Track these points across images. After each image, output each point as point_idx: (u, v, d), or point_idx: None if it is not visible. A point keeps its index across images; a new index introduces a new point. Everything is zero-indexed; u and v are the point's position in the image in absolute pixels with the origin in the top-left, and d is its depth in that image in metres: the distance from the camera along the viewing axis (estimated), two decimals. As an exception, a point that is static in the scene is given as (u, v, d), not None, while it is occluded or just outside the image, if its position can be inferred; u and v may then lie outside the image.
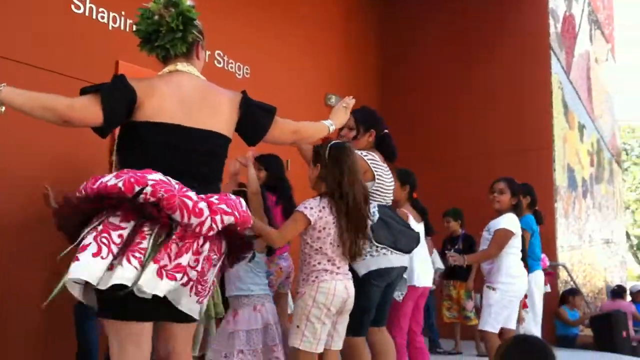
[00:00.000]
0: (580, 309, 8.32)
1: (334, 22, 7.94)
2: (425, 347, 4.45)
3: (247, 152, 3.55)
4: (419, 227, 4.11)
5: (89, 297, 2.02)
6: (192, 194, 1.98)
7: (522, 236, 4.45)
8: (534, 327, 5.38)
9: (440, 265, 5.82)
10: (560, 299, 8.12)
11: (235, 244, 2.20)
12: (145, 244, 1.91)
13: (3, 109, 1.92)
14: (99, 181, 1.94)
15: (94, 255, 1.85)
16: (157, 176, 1.95)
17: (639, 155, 28.17)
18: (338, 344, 2.98)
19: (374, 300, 3.26)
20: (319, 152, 3.02)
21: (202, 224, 1.95)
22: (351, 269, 3.04)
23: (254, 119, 2.35)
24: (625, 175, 23.04)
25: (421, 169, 5.00)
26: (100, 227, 1.92)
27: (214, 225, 1.98)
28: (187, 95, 2.19)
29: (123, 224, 1.92)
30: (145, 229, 1.93)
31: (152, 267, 1.89)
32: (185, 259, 1.95)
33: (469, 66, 8.69)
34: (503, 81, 8.45)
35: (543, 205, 6.36)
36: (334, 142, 3.05)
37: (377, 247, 3.22)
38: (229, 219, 2.03)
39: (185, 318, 2.11)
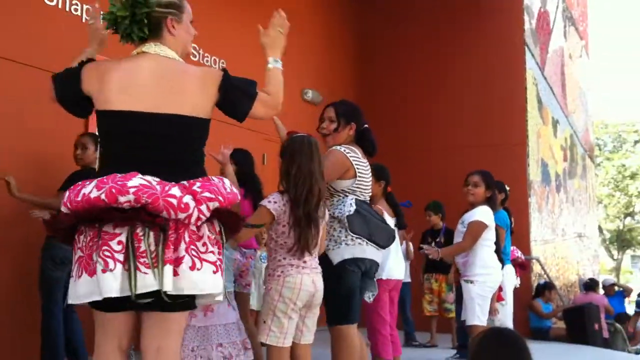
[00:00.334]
0: (554, 302, 8.44)
1: (310, 16, 7.91)
2: (398, 342, 4.47)
3: (223, 149, 3.53)
4: (392, 221, 4.13)
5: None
6: (175, 190, 1.98)
7: (497, 230, 4.48)
8: (507, 319, 5.43)
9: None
10: (535, 292, 8.23)
11: (227, 221, 2.19)
12: (143, 246, 1.94)
13: None
14: (81, 193, 1.95)
15: (103, 271, 1.91)
16: (137, 181, 1.95)
17: (612, 150, 28.62)
18: (308, 338, 2.98)
19: (354, 285, 3.22)
20: (282, 147, 3.01)
21: (190, 216, 1.98)
22: (322, 262, 3.03)
23: (234, 101, 2.30)
24: (597, 170, 23.39)
25: (396, 164, 5.02)
26: (99, 242, 1.95)
27: (201, 216, 2.02)
28: (141, 78, 2.13)
29: (118, 230, 1.96)
30: (138, 230, 1.96)
31: (168, 270, 1.94)
32: (183, 248, 1.99)
33: (444, 61, 8.74)
34: (478, 77, 8.52)
35: (517, 199, 6.43)
36: (294, 136, 3.02)
37: (352, 237, 3.21)
38: (214, 205, 2.05)
39: (160, 307, 2.06)
